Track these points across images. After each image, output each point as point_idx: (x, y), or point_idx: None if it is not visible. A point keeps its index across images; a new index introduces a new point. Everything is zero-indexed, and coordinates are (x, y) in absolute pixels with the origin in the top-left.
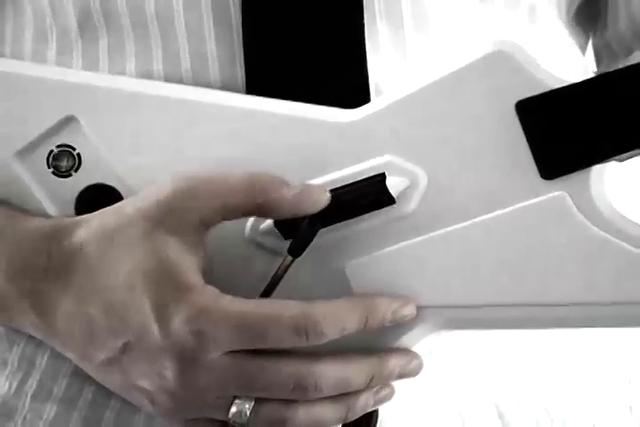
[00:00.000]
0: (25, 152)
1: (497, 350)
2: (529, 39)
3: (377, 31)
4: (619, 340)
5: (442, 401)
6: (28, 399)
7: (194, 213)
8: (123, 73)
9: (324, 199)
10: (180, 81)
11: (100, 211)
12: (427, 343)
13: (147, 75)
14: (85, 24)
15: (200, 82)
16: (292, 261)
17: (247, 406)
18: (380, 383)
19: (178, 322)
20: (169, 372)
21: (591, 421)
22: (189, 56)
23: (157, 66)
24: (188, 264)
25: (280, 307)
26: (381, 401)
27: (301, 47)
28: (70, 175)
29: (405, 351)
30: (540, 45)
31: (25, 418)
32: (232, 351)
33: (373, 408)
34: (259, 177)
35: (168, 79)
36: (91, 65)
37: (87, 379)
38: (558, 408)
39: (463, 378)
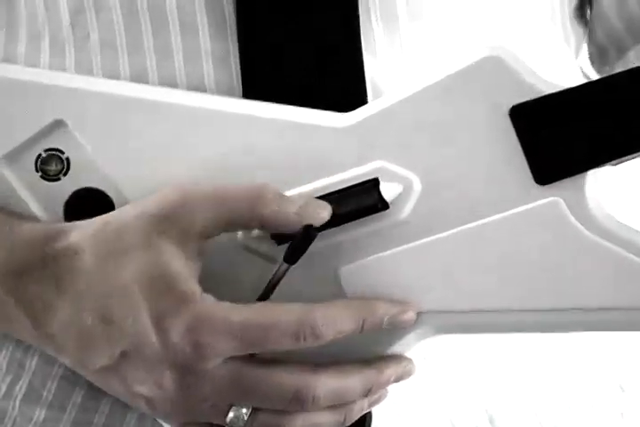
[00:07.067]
0: (13, 156)
1: (488, 355)
2: (522, 30)
3: (372, 27)
4: (612, 346)
5: (433, 406)
6: (18, 403)
7: (196, 224)
8: (116, 71)
9: (327, 214)
10: (172, 78)
11: (101, 216)
12: (420, 348)
13: (140, 72)
14: (76, 19)
15: (193, 79)
16: (287, 269)
17: (244, 411)
18: (377, 393)
19: (177, 333)
20: (168, 381)
21: None
22: (182, 52)
23: (151, 62)
24: (187, 274)
25: (279, 312)
26: (375, 403)
27: (296, 46)
28: (59, 179)
29: (401, 358)
30: (533, 38)
31: (15, 421)
32: (231, 358)
33: (367, 410)
34: (262, 190)
35: (161, 76)
36: (83, 63)
37: (77, 383)
38: (549, 414)
39: (454, 383)
